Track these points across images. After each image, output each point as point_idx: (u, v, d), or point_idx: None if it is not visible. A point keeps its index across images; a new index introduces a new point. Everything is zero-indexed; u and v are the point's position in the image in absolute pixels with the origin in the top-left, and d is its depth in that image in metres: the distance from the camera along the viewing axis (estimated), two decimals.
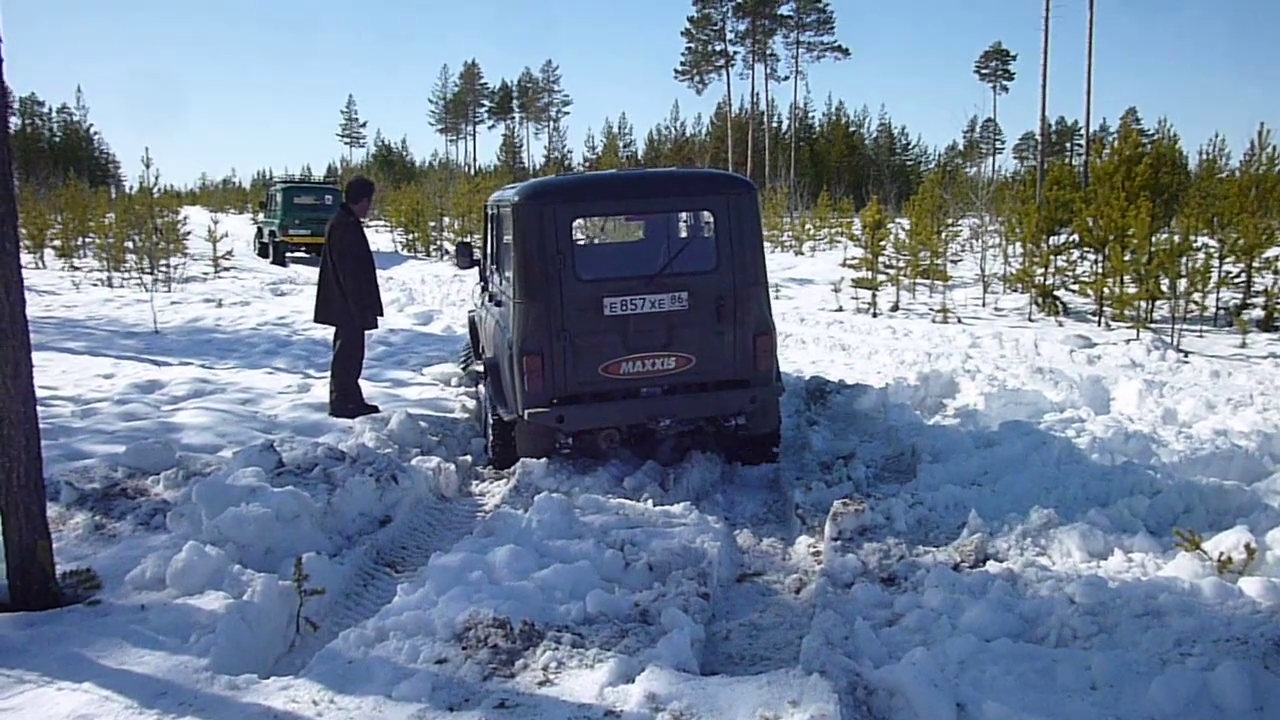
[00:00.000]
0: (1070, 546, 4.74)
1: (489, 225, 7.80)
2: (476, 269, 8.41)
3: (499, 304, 6.90)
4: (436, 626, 3.75)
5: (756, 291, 6.45)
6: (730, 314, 6.34)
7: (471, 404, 8.40)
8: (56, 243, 24.76)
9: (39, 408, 4.15)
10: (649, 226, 8.03)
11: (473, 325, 8.85)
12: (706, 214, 6.90)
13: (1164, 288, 11.95)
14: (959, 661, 3.55)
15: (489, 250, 7.81)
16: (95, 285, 19.09)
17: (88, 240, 25.33)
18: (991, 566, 4.56)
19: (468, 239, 9.08)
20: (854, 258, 16.72)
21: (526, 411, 6.19)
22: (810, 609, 4.33)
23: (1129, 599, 3.92)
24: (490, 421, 6.91)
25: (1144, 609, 3.84)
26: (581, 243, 7.17)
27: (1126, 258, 12.57)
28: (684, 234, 7.55)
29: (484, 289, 8.12)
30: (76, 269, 22.43)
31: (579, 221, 6.95)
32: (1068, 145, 72.72)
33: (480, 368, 7.71)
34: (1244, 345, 11.22)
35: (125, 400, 8.07)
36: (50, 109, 78.05)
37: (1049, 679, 3.40)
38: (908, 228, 17.78)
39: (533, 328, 6.14)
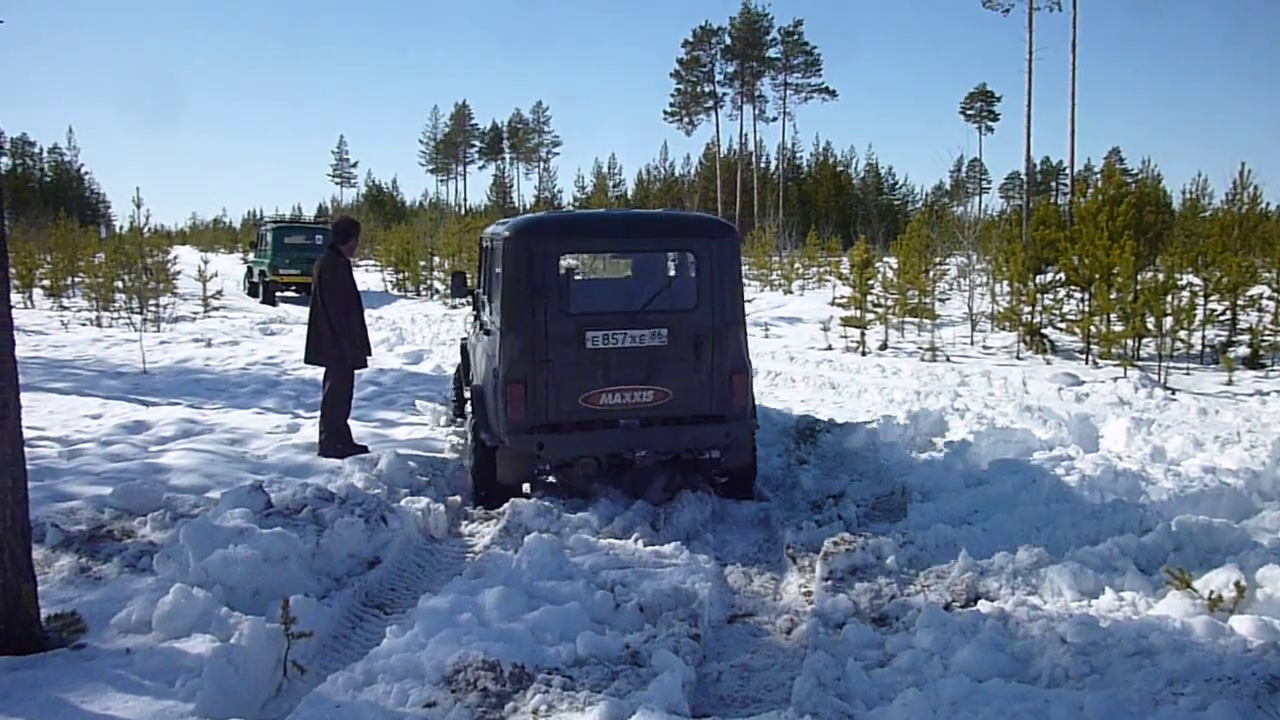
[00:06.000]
0: (1061, 585, 4.73)
1: (483, 257, 7.91)
2: (470, 298, 8.53)
3: (488, 332, 6.99)
4: (425, 669, 3.72)
5: (735, 331, 6.61)
6: (708, 352, 6.51)
7: (460, 443, 8.39)
8: (45, 282, 24.73)
9: (25, 448, 4.12)
10: (636, 264, 8.23)
11: (464, 351, 8.96)
12: (689, 255, 7.04)
13: (1150, 326, 12.04)
14: (951, 703, 3.53)
15: (483, 281, 7.92)
16: (84, 325, 19.01)
17: (77, 280, 25.31)
18: (983, 606, 4.55)
19: (463, 270, 9.25)
20: (842, 297, 16.80)
21: (508, 437, 6.39)
22: (802, 650, 4.31)
23: (1120, 638, 3.92)
24: (473, 445, 6.92)
25: (1135, 648, 3.83)
26: (568, 277, 7.39)
27: (1112, 296, 12.67)
28: (672, 272, 7.70)
29: (476, 317, 8.23)
30: (65, 309, 22.39)
31: (567, 257, 7.03)
32: (1053, 185, 73.46)
33: (468, 393, 7.74)
34: (1230, 383, 11.28)
35: (112, 441, 8.01)
36: (41, 149, 78.53)
37: None
38: (895, 267, 17.89)
39: (518, 357, 6.31)
